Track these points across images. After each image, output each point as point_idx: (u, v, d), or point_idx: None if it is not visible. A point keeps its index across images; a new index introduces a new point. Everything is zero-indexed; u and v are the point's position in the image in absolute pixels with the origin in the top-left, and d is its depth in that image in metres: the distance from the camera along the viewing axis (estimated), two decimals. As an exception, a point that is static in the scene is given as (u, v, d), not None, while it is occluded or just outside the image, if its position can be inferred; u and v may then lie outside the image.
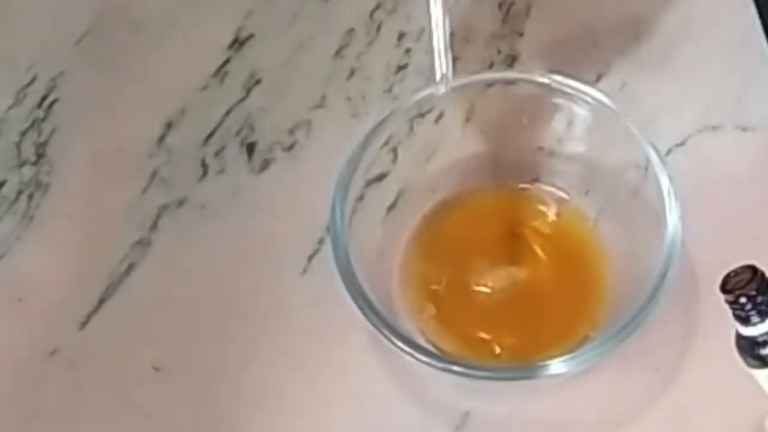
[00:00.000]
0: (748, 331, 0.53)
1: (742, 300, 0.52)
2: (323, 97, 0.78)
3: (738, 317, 0.53)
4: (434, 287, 0.69)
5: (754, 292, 0.52)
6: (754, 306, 0.52)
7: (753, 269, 0.52)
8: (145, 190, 0.75)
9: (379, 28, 0.81)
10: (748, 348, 0.53)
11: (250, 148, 0.76)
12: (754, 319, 0.52)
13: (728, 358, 0.63)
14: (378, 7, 0.81)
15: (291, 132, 0.77)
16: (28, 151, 0.77)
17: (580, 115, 0.69)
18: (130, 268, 0.72)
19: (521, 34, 0.79)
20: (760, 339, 0.53)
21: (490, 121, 0.72)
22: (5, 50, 0.81)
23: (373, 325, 0.63)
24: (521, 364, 0.64)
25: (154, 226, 0.73)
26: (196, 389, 0.68)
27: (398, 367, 0.67)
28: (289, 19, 0.81)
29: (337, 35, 0.80)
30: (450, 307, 0.68)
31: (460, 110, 0.72)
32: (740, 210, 0.70)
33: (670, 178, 0.65)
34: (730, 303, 0.53)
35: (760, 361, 0.53)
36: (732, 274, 0.53)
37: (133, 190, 0.75)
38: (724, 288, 0.52)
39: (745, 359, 0.54)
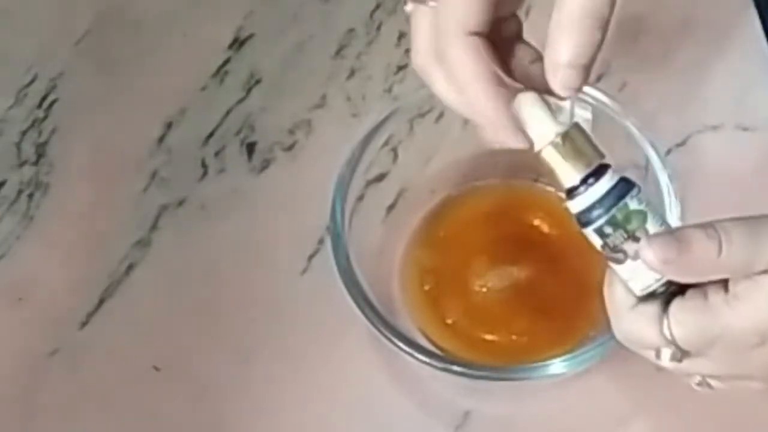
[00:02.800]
0: (579, 204, 0.52)
1: None
2: (323, 97, 0.78)
3: (567, 193, 0.52)
4: (434, 287, 0.69)
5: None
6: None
7: None
8: (145, 190, 0.75)
9: (379, 28, 0.81)
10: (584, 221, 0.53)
11: (250, 148, 0.76)
12: (580, 187, 0.52)
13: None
14: (378, 7, 0.81)
15: (291, 132, 0.77)
16: (28, 151, 0.77)
17: (580, 115, 0.69)
18: (130, 268, 0.72)
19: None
20: (595, 210, 0.51)
21: (490, 121, 0.71)
22: (5, 50, 0.81)
23: (373, 325, 0.63)
24: (521, 364, 0.64)
25: (154, 226, 0.73)
26: (196, 389, 0.68)
27: (398, 367, 0.67)
28: (289, 19, 0.81)
29: (337, 35, 0.80)
30: (450, 307, 0.68)
31: (460, 110, 0.72)
32: (740, 210, 0.69)
33: (670, 178, 0.65)
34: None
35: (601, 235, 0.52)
36: None
37: (133, 190, 0.75)
38: None
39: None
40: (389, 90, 0.78)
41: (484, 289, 0.68)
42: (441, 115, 0.71)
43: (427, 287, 0.69)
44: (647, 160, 0.66)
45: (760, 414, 0.65)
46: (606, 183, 0.52)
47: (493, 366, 0.64)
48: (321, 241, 0.71)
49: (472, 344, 0.67)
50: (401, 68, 0.79)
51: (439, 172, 0.72)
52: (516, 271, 0.69)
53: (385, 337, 0.62)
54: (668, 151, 0.73)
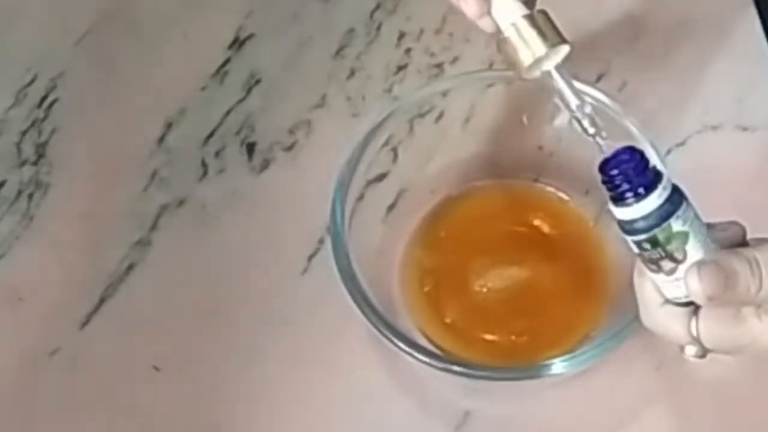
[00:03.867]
0: (624, 214, 0.51)
1: (616, 175, 0.51)
2: (323, 97, 0.78)
3: (613, 198, 0.51)
4: (434, 287, 0.69)
5: (628, 168, 0.51)
6: (629, 184, 0.51)
7: (632, 149, 0.51)
8: (145, 190, 0.75)
9: (379, 28, 0.81)
10: (631, 231, 0.52)
11: (250, 148, 0.76)
12: (629, 198, 0.51)
13: (728, 358, 0.63)
14: (378, 7, 0.81)
15: (291, 132, 0.77)
16: (28, 151, 0.77)
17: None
18: (130, 268, 0.72)
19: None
20: (638, 224, 0.51)
21: (490, 121, 0.72)
22: (5, 50, 0.81)
23: (373, 325, 0.63)
24: (521, 364, 0.64)
25: (154, 226, 0.73)
26: (196, 389, 0.68)
27: (398, 367, 0.67)
28: (289, 19, 0.81)
29: (337, 35, 0.80)
30: (450, 307, 0.68)
31: (460, 110, 0.72)
32: (740, 210, 0.70)
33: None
34: (606, 182, 0.51)
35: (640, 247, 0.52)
36: (612, 155, 0.51)
37: (133, 190, 0.75)
38: (603, 167, 0.51)
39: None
40: (389, 90, 0.78)
41: (484, 289, 0.68)
42: (441, 115, 0.71)
43: (427, 288, 0.69)
44: (647, 160, 0.66)
45: (760, 414, 0.65)
46: (655, 199, 0.51)
47: (493, 366, 0.64)
48: (321, 241, 0.71)
49: (472, 344, 0.67)
50: (401, 68, 0.79)
51: (439, 172, 0.72)
52: (516, 271, 0.69)
53: (385, 337, 0.62)
54: (668, 151, 0.73)
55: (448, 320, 0.68)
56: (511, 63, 0.55)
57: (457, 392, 0.67)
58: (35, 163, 0.76)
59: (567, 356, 0.62)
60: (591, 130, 0.53)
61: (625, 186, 0.51)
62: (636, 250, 0.52)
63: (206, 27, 0.81)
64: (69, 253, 0.73)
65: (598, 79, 0.76)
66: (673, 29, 0.79)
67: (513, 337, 0.67)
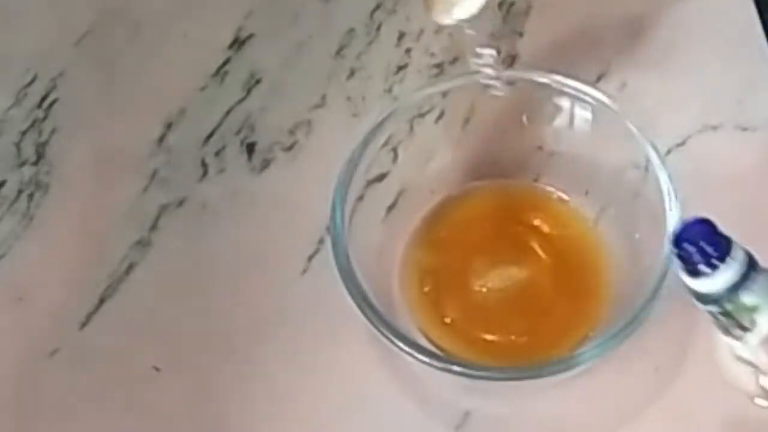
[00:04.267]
0: (698, 285, 0.52)
1: (689, 248, 0.51)
2: (323, 97, 0.78)
3: (689, 271, 0.52)
4: (434, 287, 0.69)
5: (703, 242, 0.51)
6: (704, 257, 0.51)
7: (705, 221, 0.52)
8: (145, 190, 0.75)
9: (379, 28, 0.81)
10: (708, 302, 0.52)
11: (250, 148, 0.76)
12: (704, 270, 0.51)
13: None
14: (378, 7, 0.81)
15: (291, 132, 0.77)
16: (28, 151, 0.77)
17: (580, 115, 0.69)
18: (130, 268, 0.72)
19: (521, 34, 0.79)
20: (710, 295, 0.51)
21: (490, 121, 0.72)
22: (5, 50, 0.81)
23: (373, 325, 0.63)
24: (521, 364, 0.64)
25: (154, 226, 0.73)
26: (196, 389, 0.68)
27: (398, 367, 0.67)
28: (289, 19, 0.81)
29: (337, 35, 0.80)
30: (450, 307, 0.68)
31: (460, 110, 0.72)
32: (740, 210, 0.70)
33: (670, 178, 0.65)
34: (680, 256, 0.52)
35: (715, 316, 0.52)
36: (685, 227, 0.52)
37: (133, 190, 0.75)
38: (676, 240, 0.52)
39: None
40: (389, 90, 0.78)
41: (484, 289, 0.68)
42: (441, 115, 0.71)
43: (427, 288, 0.69)
44: (647, 160, 0.66)
45: (762, 413, 0.65)
46: (727, 271, 0.51)
47: (493, 366, 0.64)
48: (321, 241, 0.71)
49: (472, 344, 0.67)
50: (401, 68, 0.79)
51: (439, 172, 0.72)
52: (516, 271, 0.69)
53: (385, 337, 0.62)
54: (668, 151, 0.72)
55: (448, 320, 0.68)
56: (427, 7, 0.57)
57: (457, 392, 0.67)
58: (35, 163, 0.76)
59: (567, 356, 0.62)
60: (490, 81, 0.54)
61: (700, 258, 0.51)
62: (708, 315, 0.52)
63: (206, 27, 0.81)
64: (69, 253, 0.73)
65: (598, 79, 0.76)
66: (673, 29, 0.79)
67: (513, 337, 0.67)
